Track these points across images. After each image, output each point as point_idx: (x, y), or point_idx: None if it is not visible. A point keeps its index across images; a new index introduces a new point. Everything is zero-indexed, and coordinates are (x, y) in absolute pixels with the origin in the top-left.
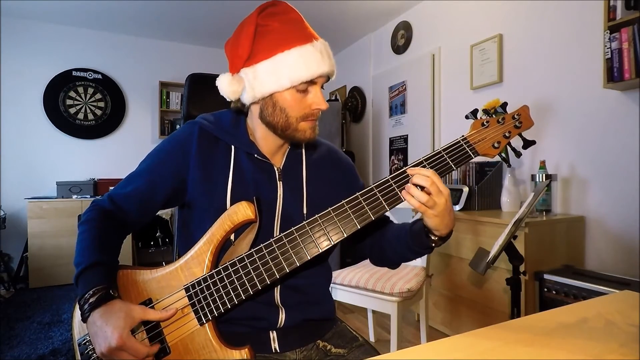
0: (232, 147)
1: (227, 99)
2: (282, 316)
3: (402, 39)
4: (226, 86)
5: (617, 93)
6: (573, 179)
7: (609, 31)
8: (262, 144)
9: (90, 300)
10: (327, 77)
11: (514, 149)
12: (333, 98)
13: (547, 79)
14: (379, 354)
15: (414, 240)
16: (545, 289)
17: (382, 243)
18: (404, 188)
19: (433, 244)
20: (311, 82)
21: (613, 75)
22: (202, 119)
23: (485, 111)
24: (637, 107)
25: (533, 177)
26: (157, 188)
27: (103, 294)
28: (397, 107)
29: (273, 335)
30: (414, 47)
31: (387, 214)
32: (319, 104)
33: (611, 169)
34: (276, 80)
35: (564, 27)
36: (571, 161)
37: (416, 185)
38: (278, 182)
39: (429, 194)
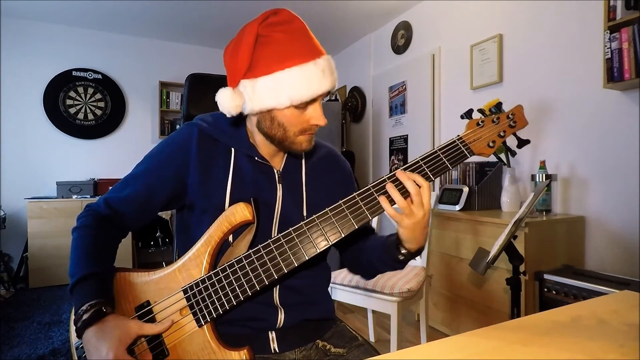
0: (232, 149)
1: (228, 115)
2: (281, 316)
3: (402, 39)
4: (228, 102)
5: (617, 93)
6: (573, 179)
7: (609, 31)
8: (261, 147)
9: (84, 318)
10: (328, 92)
11: (508, 148)
12: (333, 98)
13: (547, 79)
14: (378, 353)
15: (385, 252)
16: (545, 289)
17: (359, 252)
18: (385, 192)
19: (401, 257)
20: (311, 100)
21: (613, 75)
22: (201, 120)
23: (481, 111)
24: (637, 107)
25: (533, 177)
26: (155, 191)
27: (96, 311)
28: (397, 107)
29: (272, 335)
30: (414, 47)
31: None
32: (317, 120)
33: (611, 169)
34: (275, 97)
35: (564, 27)
36: (571, 161)
37: (402, 190)
38: (278, 184)
39: (411, 201)
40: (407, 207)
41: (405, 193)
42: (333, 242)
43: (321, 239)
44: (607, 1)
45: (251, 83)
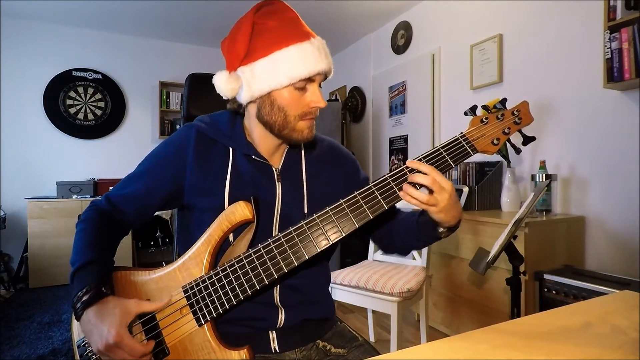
0: (230, 148)
1: (224, 97)
2: (281, 316)
3: (402, 39)
4: (223, 84)
5: (617, 93)
6: (573, 179)
7: (609, 31)
8: (259, 145)
9: (84, 299)
10: (325, 76)
11: (513, 146)
12: (333, 98)
13: (547, 79)
14: (379, 354)
15: (422, 232)
16: (545, 289)
17: (390, 234)
18: (402, 187)
19: (442, 236)
20: (309, 80)
21: (613, 75)
22: (199, 121)
23: (485, 107)
24: (637, 107)
25: (533, 177)
26: (154, 191)
27: (96, 292)
28: (397, 107)
29: (272, 335)
30: (414, 47)
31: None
32: (317, 102)
33: (611, 169)
34: (274, 77)
35: (564, 27)
36: (571, 161)
37: (416, 184)
38: (277, 182)
39: (431, 191)
40: (431, 198)
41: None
42: (334, 242)
43: (322, 238)
44: (607, 1)
45: (249, 68)
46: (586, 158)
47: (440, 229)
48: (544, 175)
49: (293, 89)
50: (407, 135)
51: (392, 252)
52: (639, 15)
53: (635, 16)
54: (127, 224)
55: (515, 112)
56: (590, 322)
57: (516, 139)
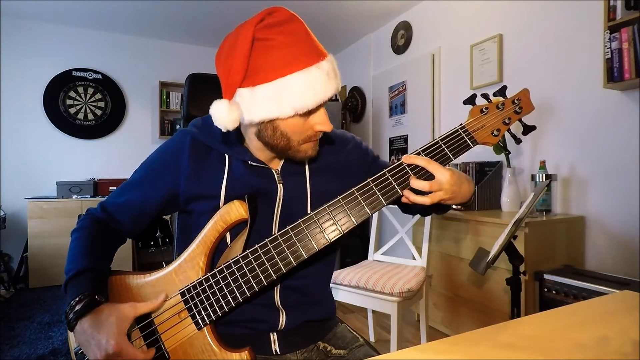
0: (226, 154)
1: (224, 130)
2: (282, 318)
3: (402, 39)
4: (225, 116)
5: (617, 93)
6: (573, 179)
7: (609, 31)
8: (257, 153)
9: (76, 308)
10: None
11: (513, 136)
12: (333, 98)
13: (547, 79)
14: (379, 354)
15: (437, 206)
16: (545, 289)
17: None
18: (406, 184)
19: (457, 210)
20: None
21: (613, 75)
22: (193, 126)
23: (485, 96)
24: (637, 107)
25: (533, 177)
26: (148, 200)
27: (89, 301)
28: (397, 107)
29: (274, 337)
30: (414, 47)
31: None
32: (322, 125)
33: (611, 169)
34: (278, 107)
35: (564, 27)
36: (571, 161)
37: (417, 171)
38: (278, 184)
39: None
40: (434, 197)
41: (419, 173)
42: (332, 240)
43: (320, 237)
44: (607, 1)
45: (249, 91)
46: (586, 158)
47: (454, 206)
48: (544, 175)
49: (298, 116)
50: (407, 135)
51: (412, 214)
52: (639, 15)
53: (635, 16)
54: (123, 232)
55: (515, 101)
56: (590, 322)
57: (516, 129)
